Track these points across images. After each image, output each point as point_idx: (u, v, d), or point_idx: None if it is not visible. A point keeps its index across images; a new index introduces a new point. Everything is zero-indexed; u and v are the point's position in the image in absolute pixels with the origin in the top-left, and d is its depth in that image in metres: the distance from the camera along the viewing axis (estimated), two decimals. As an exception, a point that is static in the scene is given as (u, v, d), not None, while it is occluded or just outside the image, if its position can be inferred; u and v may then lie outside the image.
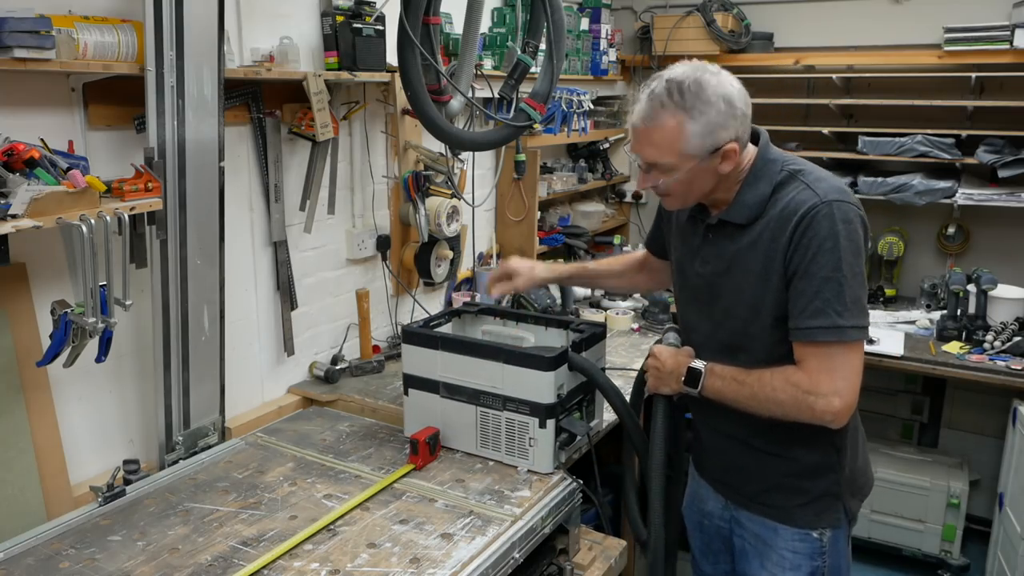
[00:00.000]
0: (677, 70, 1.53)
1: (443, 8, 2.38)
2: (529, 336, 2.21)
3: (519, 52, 2.51)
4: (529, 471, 1.95)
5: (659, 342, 1.81)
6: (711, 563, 1.95)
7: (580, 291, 3.52)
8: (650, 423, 1.77)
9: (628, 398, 1.95)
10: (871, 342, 3.03)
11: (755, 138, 1.64)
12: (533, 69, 2.55)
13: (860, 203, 1.56)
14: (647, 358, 1.82)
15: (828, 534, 1.68)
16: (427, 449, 1.98)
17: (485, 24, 3.14)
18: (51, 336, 1.69)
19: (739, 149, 1.55)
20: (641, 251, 2.13)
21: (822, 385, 1.49)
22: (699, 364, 1.66)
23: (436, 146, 2.70)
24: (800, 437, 1.63)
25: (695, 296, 1.74)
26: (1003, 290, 3.14)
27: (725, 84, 1.51)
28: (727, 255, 1.63)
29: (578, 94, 3.55)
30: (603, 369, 2.07)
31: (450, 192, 2.78)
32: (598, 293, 3.58)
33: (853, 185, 3.56)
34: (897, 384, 3.74)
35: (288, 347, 2.48)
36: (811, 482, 1.67)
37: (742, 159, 1.59)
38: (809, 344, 1.52)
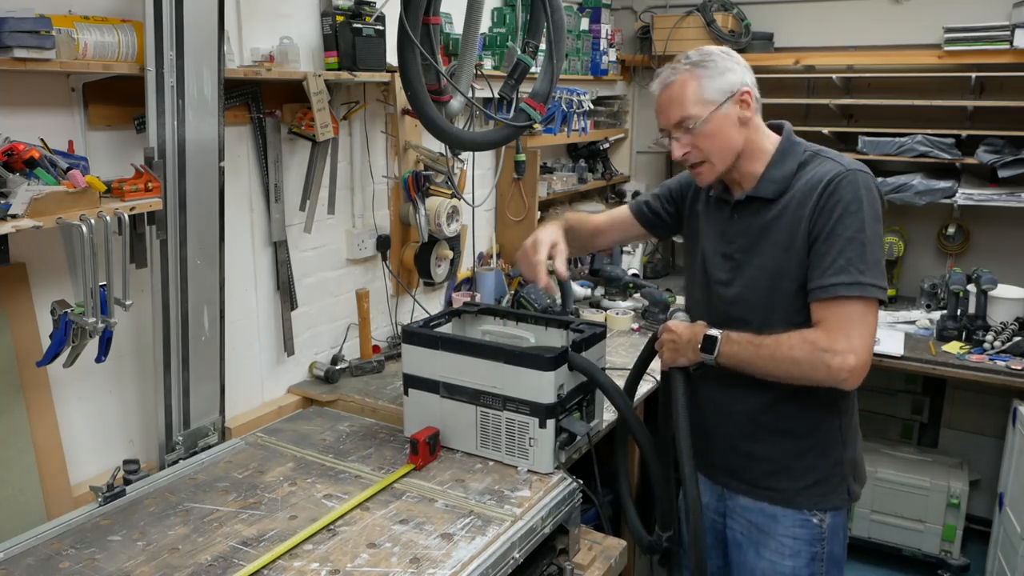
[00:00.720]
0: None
1: (443, 8, 2.38)
2: (529, 336, 2.21)
3: (519, 52, 2.51)
4: (529, 471, 1.94)
5: (667, 320, 1.83)
6: (717, 563, 1.95)
7: (580, 291, 3.53)
8: (668, 399, 1.78)
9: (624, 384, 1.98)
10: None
11: (780, 130, 1.75)
12: (533, 69, 2.55)
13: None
14: (655, 338, 1.84)
15: (827, 520, 1.72)
16: (427, 449, 1.98)
17: (485, 24, 3.14)
18: (51, 336, 1.69)
19: (752, 93, 1.66)
20: (621, 211, 2.09)
21: (839, 342, 1.53)
22: (715, 331, 1.69)
23: (436, 146, 2.70)
24: (808, 412, 1.69)
25: (714, 276, 1.77)
26: (1003, 290, 3.14)
27: (724, 49, 1.69)
28: (753, 231, 1.70)
29: (578, 94, 3.55)
30: (603, 369, 2.07)
31: (450, 192, 2.78)
32: (598, 292, 3.58)
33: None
34: (897, 384, 3.74)
35: (288, 347, 2.48)
36: (820, 459, 1.71)
37: (761, 132, 1.70)
38: (829, 302, 1.57)
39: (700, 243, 1.84)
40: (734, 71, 1.65)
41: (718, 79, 1.63)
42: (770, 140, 1.71)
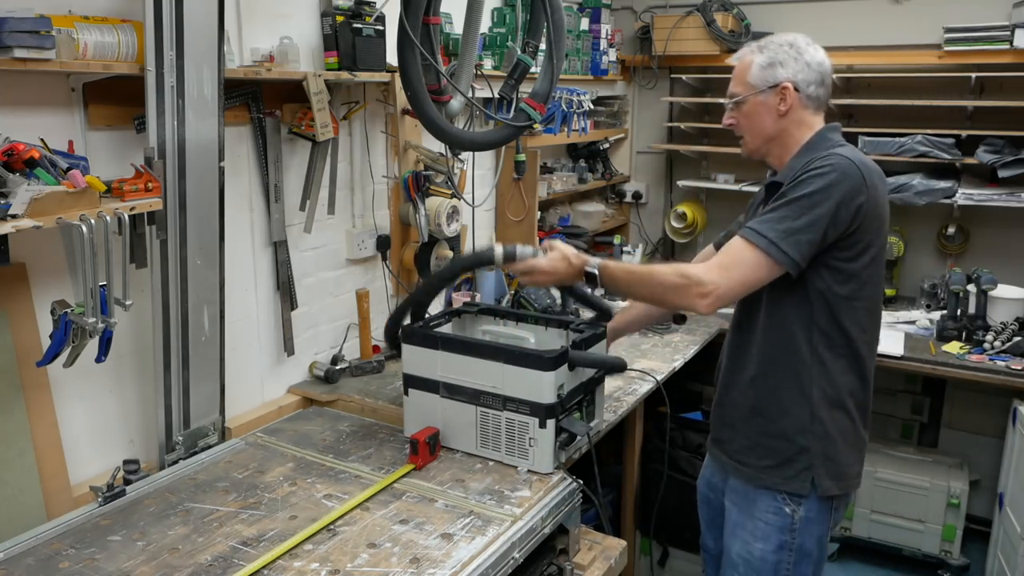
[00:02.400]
0: None
1: (443, 8, 2.38)
2: (529, 336, 2.21)
3: (519, 52, 2.51)
4: (529, 471, 1.95)
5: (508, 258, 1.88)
6: (713, 537, 2.07)
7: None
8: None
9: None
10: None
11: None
12: (533, 69, 2.55)
13: (879, 185, 1.72)
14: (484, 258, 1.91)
15: (800, 512, 1.79)
16: (427, 449, 1.98)
17: (485, 24, 3.13)
18: (51, 336, 1.69)
19: (796, 93, 1.77)
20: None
21: (709, 275, 1.66)
22: (593, 267, 1.80)
23: (436, 146, 2.70)
24: (779, 396, 1.80)
25: None
26: (1003, 290, 3.14)
27: (802, 42, 1.79)
28: None
29: (578, 94, 3.55)
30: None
31: (450, 192, 2.78)
32: (598, 292, 3.56)
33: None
34: (897, 384, 3.74)
35: (288, 347, 2.48)
36: (783, 443, 1.80)
37: (802, 126, 1.80)
38: (735, 239, 1.70)
39: None
40: (786, 66, 1.76)
41: (767, 68, 1.78)
42: (809, 131, 1.81)
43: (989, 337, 3.01)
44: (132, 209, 1.72)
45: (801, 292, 1.73)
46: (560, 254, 1.83)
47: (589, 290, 1.88)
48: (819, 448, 1.78)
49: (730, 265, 1.67)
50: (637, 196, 4.36)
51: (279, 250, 2.40)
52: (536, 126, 2.85)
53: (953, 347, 3.06)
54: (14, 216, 1.50)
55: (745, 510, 1.87)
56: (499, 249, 1.86)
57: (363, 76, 2.38)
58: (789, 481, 1.79)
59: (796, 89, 1.76)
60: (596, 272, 1.79)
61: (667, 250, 4.40)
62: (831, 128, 1.82)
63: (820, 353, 1.76)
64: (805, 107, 1.79)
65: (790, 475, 1.79)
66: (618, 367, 2.11)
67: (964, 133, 3.37)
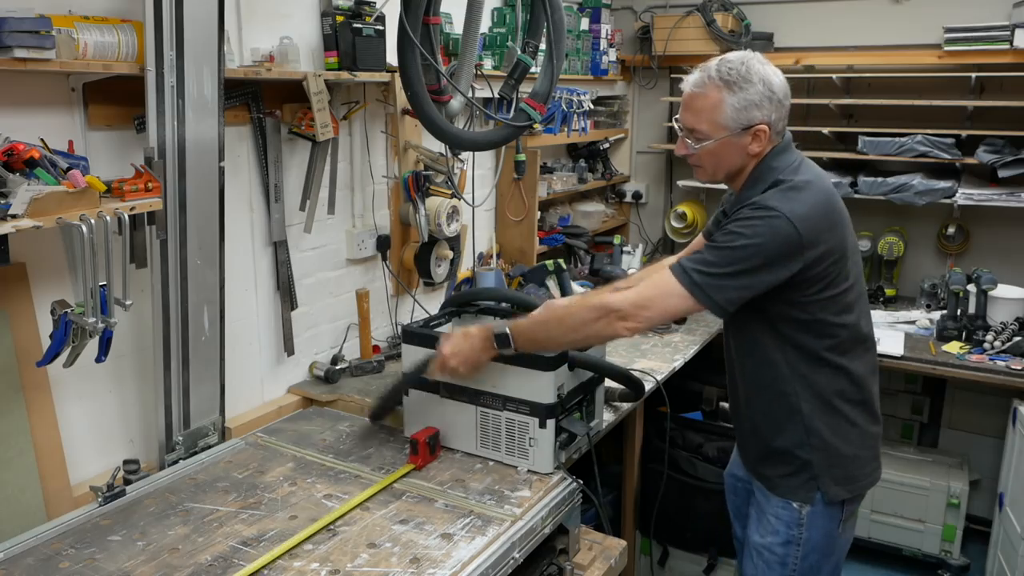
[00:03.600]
0: (731, 54, 1.71)
1: (443, 8, 2.38)
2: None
3: (519, 52, 2.51)
4: (529, 471, 1.95)
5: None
6: (741, 526, 2.09)
7: (580, 291, 3.52)
8: None
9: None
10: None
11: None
12: (533, 69, 2.55)
13: (825, 228, 1.64)
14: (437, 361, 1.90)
15: (807, 508, 1.81)
16: (427, 449, 1.98)
17: (485, 24, 3.13)
18: (51, 336, 1.69)
19: (769, 132, 1.69)
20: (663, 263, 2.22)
21: (625, 304, 1.66)
22: (502, 328, 1.80)
23: (436, 146, 2.70)
24: (771, 417, 1.82)
25: None
26: (1003, 290, 3.14)
27: (769, 71, 1.69)
28: None
29: (578, 94, 3.55)
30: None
31: (450, 192, 2.78)
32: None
33: (853, 185, 3.56)
34: (897, 384, 3.73)
35: (288, 347, 2.48)
36: (785, 459, 1.82)
37: (764, 152, 1.72)
38: (661, 269, 1.69)
39: None
40: (762, 107, 1.66)
41: (742, 111, 1.66)
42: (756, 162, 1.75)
43: (989, 337, 3.02)
44: (132, 209, 1.72)
45: (765, 318, 1.72)
46: (459, 334, 1.86)
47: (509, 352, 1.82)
48: (821, 459, 1.77)
49: (654, 298, 1.65)
50: (637, 196, 4.36)
51: (279, 250, 2.40)
52: (536, 126, 2.84)
53: (953, 347, 3.06)
54: (14, 216, 1.50)
55: (761, 506, 1.90)
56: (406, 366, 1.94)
57: (363, 76, 2.38)
58: (796, 491, 1.81)
59: (769, 124, 1.69)
60: (507, 331, 1.79)
61: (667, 250, 4.40)
62: (781, 150, 1.74)
63: (799, 368, 1.75)
64: (772, 141, 1.72)
65: (796, 485, 1.81)
66: (639, 386, 2.19)
67: (964, 133, 3.37)
